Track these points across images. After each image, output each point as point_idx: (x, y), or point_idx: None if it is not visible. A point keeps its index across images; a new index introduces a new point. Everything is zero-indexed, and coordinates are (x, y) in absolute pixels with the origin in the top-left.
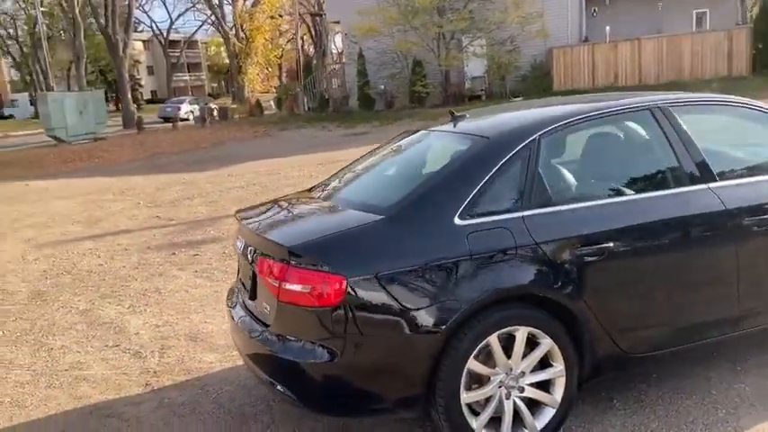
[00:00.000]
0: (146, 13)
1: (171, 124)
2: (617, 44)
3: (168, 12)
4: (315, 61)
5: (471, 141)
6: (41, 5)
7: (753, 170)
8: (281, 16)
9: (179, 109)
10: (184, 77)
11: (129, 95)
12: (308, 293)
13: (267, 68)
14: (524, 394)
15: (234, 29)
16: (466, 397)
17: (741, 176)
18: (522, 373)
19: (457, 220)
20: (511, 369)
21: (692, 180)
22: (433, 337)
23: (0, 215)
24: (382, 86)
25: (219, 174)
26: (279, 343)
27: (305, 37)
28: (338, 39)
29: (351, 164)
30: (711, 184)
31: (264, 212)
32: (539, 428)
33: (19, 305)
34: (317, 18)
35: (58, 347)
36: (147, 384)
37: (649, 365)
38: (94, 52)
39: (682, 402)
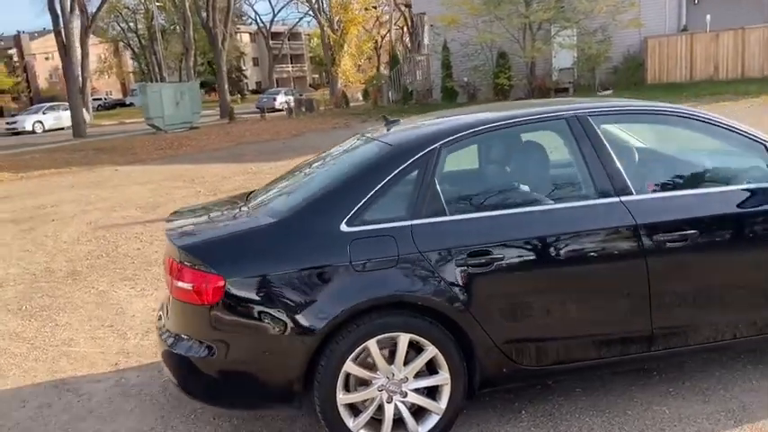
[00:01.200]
0: (251, 6)
1: (259, 115)
2: (718, 34)
3: (271, 4)
4: (409, 53)
5: (378, 149)
6: (157, 0)
7: (675, 183)
8: (375, 8)
9: (274, 100)
10: (287, 69)
11: (227, 86)
12: (192, 291)
13: (361, 60)
14: (407, 399)
15: (329, 20)
16: (343, 398)
17: (662, 190)
18: (406, 379)
19: (343, 227)
20: (393, 374)
21: (602, 193)
22: (309, 338)
23: (79, 198)
24: (465, 79)
25: (286, 164)
26: (173, 339)
27: (403, 28)
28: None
29: (292, 168)
30: (624, 198)
31: (190, 214)
32: None
33: (52, 283)
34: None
35: (62, 324)
36: (115, 364)
37: (557, 378)
38: (203, 45)
39: (590, 420)
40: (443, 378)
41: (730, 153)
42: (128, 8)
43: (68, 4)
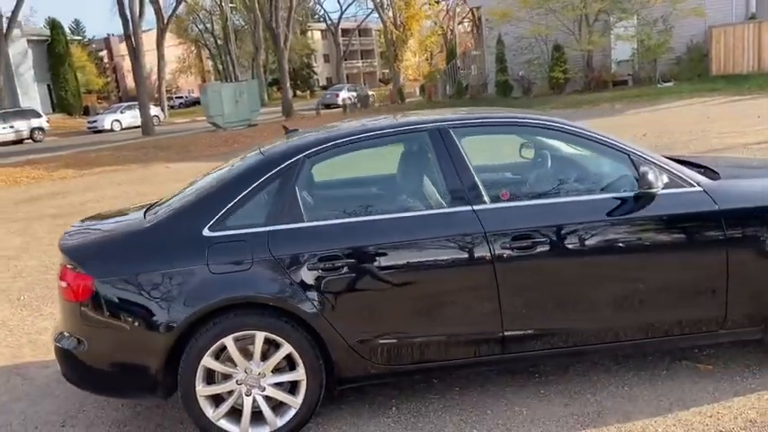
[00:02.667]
0: (320, 4)
1: (315, 111)
2: None
3: (339, 2)
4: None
5: (253, 159)
6: (231, 2)
7: (529, 193)
8: (438, 2)
9: (337, 96)
10: (357, 64)
11: (288, 84)
12: (67, 289)
13: (423, 55)
14: (266, 393)
15: (392, 16)
16: (202, 390)
17: (515, 199)
18: (264, 374)
19: (206, 232)
20: (251, 369)
21: (456, 202)
22: (168, 334)
23: (123, 195)
24: (521, 73)
25: None
26: (58, 334)
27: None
28: None
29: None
30: (476, 207)
31: (94, 219)
32: (278, 425)
33: None
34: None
35: (46, 314)
36: None
37: (414, 377)
38: (273, 44)
39: (450, 418)
40: (300, 374)
41: (594, 163)
42: (205, 10)
43: (137, 9)
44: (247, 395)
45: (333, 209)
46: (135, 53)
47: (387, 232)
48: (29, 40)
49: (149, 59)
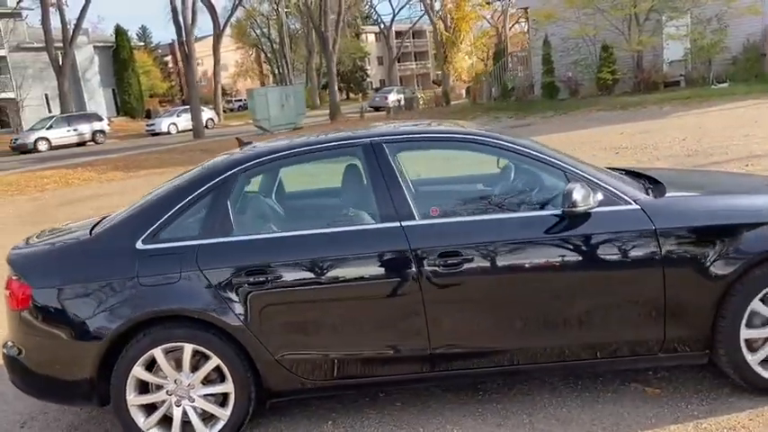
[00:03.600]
0: (373, 8)
1: (359, 114)
2: None
3: (391, 5)
4: (522, 50)
5: (194, 172)
6: (286, 7)
7: (460, 210)
8: (489, 3)
9: (386, 98)
10: (411, 66)
11: (336, 87)
12: (11, 298)
13: (473, 56)
14: (195, 404)
15: (442, 18)
16: (133, 399)
17: (444, 216)
18: (193, 386)
19: (139, 244)
20: (181, 381)
21: (385, 217)
22: (99, 344)
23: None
24: (569, 74)
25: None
26: (5, 342)
27: (523, 23)
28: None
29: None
30: (405, 223)
31: (51, 232)
32: None
33: None
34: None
35: None
36: None
37: (344, 392)
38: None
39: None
40: (229, 387)
41: (531, 180)
42: (262, 15)
43: (190, 17)
44: (177, 406)
45: (264, 223)
46: (187, 59)
47: (313, 247)
48: (95, 47)
49: (210, 63)
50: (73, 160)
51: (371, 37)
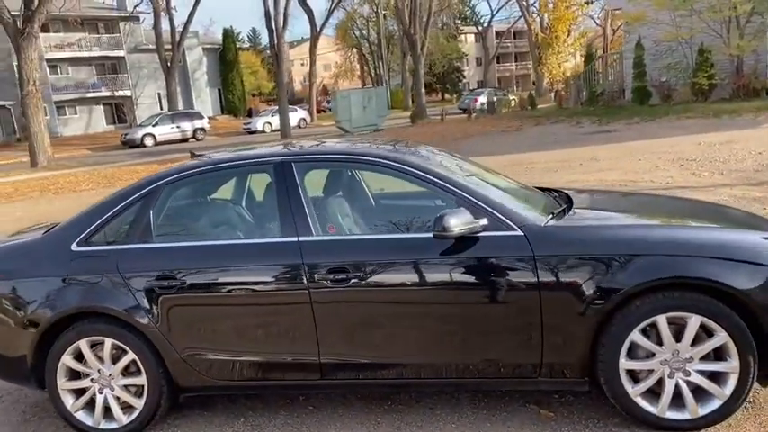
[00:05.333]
0: (470, 8)
1: (440, 117)
2: None
3: (489, 5)
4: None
5: (133, 182)
6: (385, 8)
7: (354, 227)
8: (588, 3)
9: (476, 101)
10: (510, 67)
11: (423, 89)
12: None
13: (568, 57)
14: (115, 393)
15: (539, 17)
16: (63, 384)
17: (340, 233)
18: (113, 376)
19: (74, 246)
20: (103, 371)
21: (286, 232)
22: (34, 333)
23: None
24: (664, 78)
25: None
26: None
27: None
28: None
29: None
30: (302, 238)
31: (26, 229)
32: (124, 422)
33: None
34: None
35: None
36: None
37: (245, 392)
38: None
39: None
40: (143, 380)
41: (425, 202)
42: (362, 16)
43: (281, 22)
44: (100, 393)
45: (180, 232)
46: (277, 61)
47: (218, 257)
48: (203, 49)
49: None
50: (168, 156)
51: (471, 38)
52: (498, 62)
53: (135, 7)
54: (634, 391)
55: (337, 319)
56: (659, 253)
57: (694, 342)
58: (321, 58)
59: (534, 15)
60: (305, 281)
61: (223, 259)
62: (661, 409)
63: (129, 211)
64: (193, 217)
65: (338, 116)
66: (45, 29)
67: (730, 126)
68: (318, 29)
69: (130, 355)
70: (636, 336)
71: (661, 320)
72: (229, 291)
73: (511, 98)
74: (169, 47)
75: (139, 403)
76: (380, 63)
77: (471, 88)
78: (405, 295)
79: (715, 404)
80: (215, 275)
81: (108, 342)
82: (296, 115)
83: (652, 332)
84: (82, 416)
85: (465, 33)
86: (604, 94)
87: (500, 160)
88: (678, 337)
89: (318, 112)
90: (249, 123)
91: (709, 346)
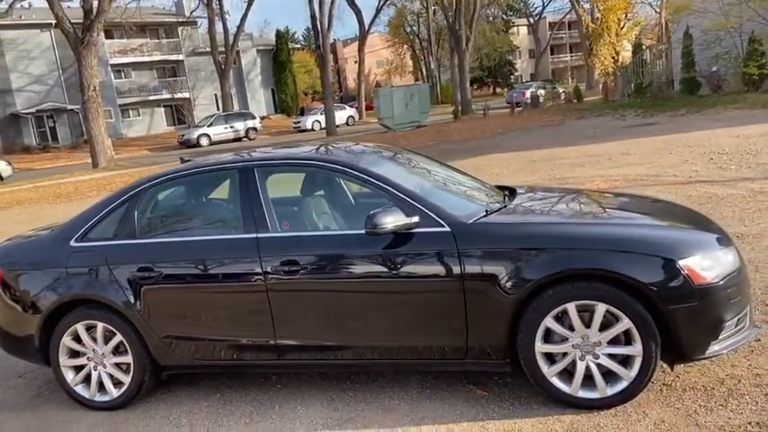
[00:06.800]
0: (522, 0)
1: (482, 112)
2: None
3: None
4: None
5: (126, 185)
6: (435, 4)
7: (305, 225)
8: None
9: (524, 94)
10: (564, 58)
11: (468, 84)
12: None
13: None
14: (107, 370)
15: (588, 9)
16: (64, 361)
17: (293, 230)
18: (105, 355)
19: (72, 242)
20: (96, 351)
21: (247, 229)
22: (39, 317)
23: None
24: (714, 68)
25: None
26: None
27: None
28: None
29: None
30: (260, 234)
31: (39, 228)
32: (114, 395)
33: None
34: None
35: None
36: None
37: (215, 371)
38: (473, 43)
39: (246, 408)
40: (129, 358)
41: (372, 202)
42: (413, 12)
43: (326, 24)
44: (95, 370)
45: (159, 229)
46: (323, 61)
47: (189, 251)
48: (257, 50)
49: (367, 62)
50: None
51: (523, 29)
52: (552, 53)
53: (191, 12)
54: (549, 372)
55: (289, 306)
56: (567, 247)
57: (602, 328)
58: (374, 55)
59: (585, 5)
60: (261, 272)
61: (193, 253)
62: (574, 388)
63: (119, 211)
64: (171, 216)
65: (381, 113)
66: (109, 35)
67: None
68: (367, 28)
69: (119, 337)
70: (549, 322)
71: (571, 308)
72: (198, 281)
73: (560, 90)
74: (223, 50)
75: (127, 379)
76: (431, 59)
77: (524, 81)
78: (345, 286)
79: (622, 385)
80: (186, 267)
81: (100, 326)
82: (344, 113)
83: (565, 318)
84: (80, 389)
85: (517, 26)
86: (652, 85)
87: (529, 156)
88: (589, 323)
89: (368, 109)
90: (299, 122)
91: (613, 331)
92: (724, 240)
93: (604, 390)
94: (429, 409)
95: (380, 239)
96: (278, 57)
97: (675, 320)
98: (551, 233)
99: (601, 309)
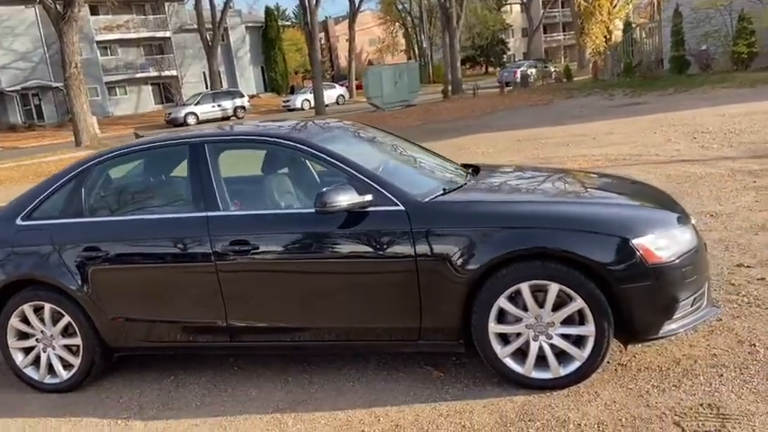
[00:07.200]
0: None
1: (472, 92)
2: None
3: None
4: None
5: (70, 163)
6: None
7: (257, 204)
8: None
9: (515, 73)
10: (557, 37)
11: (459, 64)
12: None
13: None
14: (56, 352)
15: None
16: (12, 343)
17: (243, 209)
18: (54, 336)
19: (18, 221)
20: (45, 332)
21: (197, 208)
22: None
23: None
24: (703, 47)
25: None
26: None
27: None
28: None
29: None
30: (210, 213)
31: None
32: (65, 377)
33: None
34: None
35: None
36: None
37: (167, 353)
38: (464, 21)
39: (200, 390)
40: (78, 340)
41: (325, 180)
42: None
43: (314, 1)
44: (44, 351)
45: (107, 208)
46: (311, 39)
47: (137, 230)
48: (246, 27)
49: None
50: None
51: (516, 8)
52: (546, 32)
53: None
54: (503, 353)
55: (240, 287)
56: (520, 226)
57: (556, 308)
58: (366, 33)
59: None
60: (211, 252)
61: (141, 232)
62: (527, 369)
63: (66, 189)
64: (119, 194)
65: (369, 93)
66: (94, 11)
67: (764, 96)
68: (357, 4)
69: (67, 318)
70: (503, 302)
71: (524, 288)
72: (146, 261)
73: (552, 70)
74: (210, 27)
75: (77, 361)
76: (422, 37)
77: (517, 60)
78: (298, 266)
79: (575, 365)
80: (134, 247)
81: (47, 307)
82: (334, 92)
83: (519, 299)
84: (30, 371)
85: (510, 4)
86: (641, 64)
87: (516, 135)
88: (542, 303)
89: (359, 88)
90: (288, 101)
91: (567, 311)
92: (682, 219)
93: (557, 370)
94: (383, 391)
95: (335, 218)
96: (267, 34)
97: (628, 300)
98: (503, 212)
99: (554, 288)
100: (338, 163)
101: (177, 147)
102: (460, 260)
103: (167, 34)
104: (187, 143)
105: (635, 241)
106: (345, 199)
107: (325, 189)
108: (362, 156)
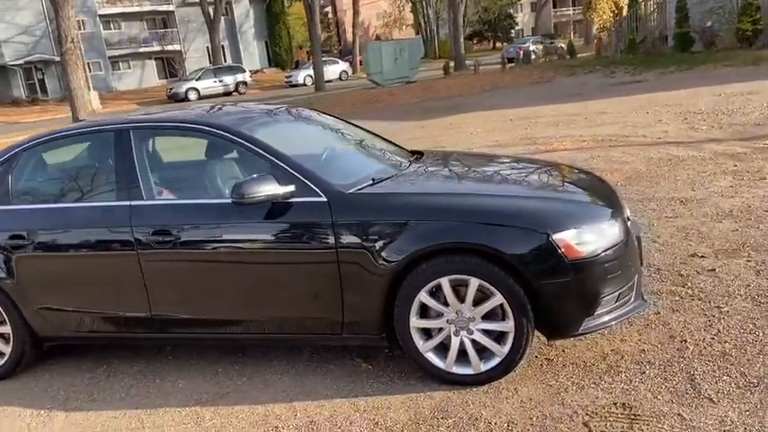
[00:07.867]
0: None
1: (473, 69)
2: None
3: None
4: None
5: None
6: None
7: (178, 193)
8: None
9: (520, 50)
10: (567, 12)
11: (462, 39)
12: None
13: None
14: None
15: None
16: None
17: (167, 198)
18: None
19: None
20: None
21: (121, 196)
22: None
23: None
24: (708, 23)
25: (407, 127)
26: None
27: None
28: None
29: None
30: (133, 202)
31: None
32: None
33: None
34: None
35: None
36: None
37: (97, 343)
38: None
39: (130, 381)
40: (8, 329)
41: (251, 169)
42: None
43: None
44: None
45: (34, 195)
46: (310, 13)
47: (62, 218)
48: (251, 1)
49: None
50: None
51: None
52: (555, 6)
53: None
54: (424, 347)
55: (162, 278)
56: (438, 219)
57: (477, 303)
58: (373, 7)
59: None
60: (133, 241)
61: (66, 221)
62: (448, 364)
63: None
64: (46, 181)
65: (369, 69)
66: None
67: (766, 75)
68: None
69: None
70: (424, 297)
71: (444, 283)
72: (71, 250)
73: (559, 45)
74: (213, 0)
75: (8, 350)
76: (429, 11)
77: (525, 35)
78: (222, 257)
79: (496, 361)
80: (59, 236)
81: None
82: (337, 67)
83: (440, 293)
84: None
85: None
86: (645, 41)
87: (509, 114)
88: (464, 298)
89: (361, 63)
90: (291, 76)
91: (487, 307)
92: (615, 213)
93: (478, 366)
94: (308, 384)
95: (258, 209)
96: (272, 8)
97: (547, 296)
98: (423, 204)
99: (474, 283)
100: (261, 151)
101: (103, 133)
102: (381, 253)
103: (171, 8)
104: (112, 130)
105: (555, 236)
106: (264, 190)
107: (243, 179)
108: (300, 144)
